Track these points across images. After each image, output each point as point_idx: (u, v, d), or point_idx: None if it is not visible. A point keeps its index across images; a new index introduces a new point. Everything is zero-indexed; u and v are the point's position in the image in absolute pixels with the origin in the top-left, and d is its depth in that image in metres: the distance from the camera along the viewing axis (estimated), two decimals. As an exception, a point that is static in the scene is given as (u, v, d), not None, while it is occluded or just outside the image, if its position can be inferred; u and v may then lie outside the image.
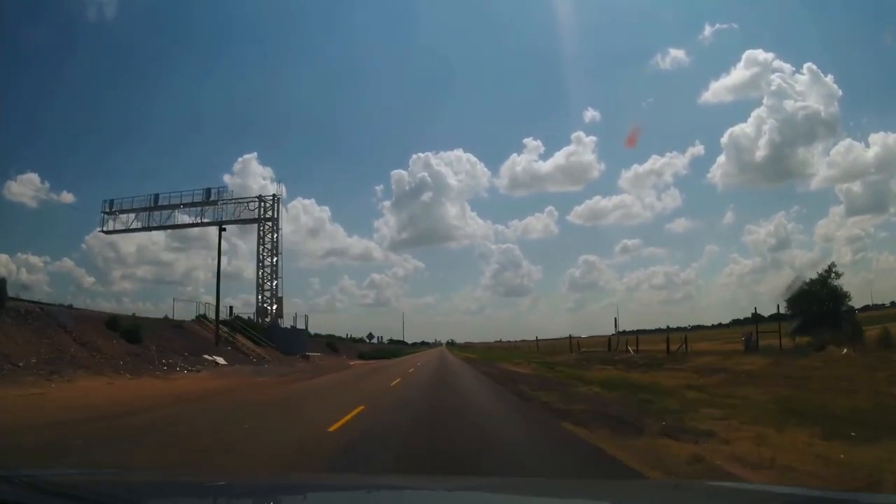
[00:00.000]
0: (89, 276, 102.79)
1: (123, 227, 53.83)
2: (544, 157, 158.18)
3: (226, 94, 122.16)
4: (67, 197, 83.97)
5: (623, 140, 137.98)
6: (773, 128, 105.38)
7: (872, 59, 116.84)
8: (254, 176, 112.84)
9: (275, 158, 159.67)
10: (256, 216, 50.65)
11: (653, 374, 21.78)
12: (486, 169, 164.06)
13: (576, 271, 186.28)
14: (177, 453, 7.53)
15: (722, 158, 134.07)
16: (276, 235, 50.50)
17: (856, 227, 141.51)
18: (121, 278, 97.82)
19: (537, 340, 74.77)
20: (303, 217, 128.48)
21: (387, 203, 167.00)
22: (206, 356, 31.75)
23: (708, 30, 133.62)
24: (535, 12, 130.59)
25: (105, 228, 53.73)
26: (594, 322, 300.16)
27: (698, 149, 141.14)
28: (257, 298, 49.11)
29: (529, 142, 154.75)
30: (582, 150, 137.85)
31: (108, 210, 52.87)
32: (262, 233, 50.47)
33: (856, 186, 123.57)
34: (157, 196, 52.97)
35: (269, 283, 49.28)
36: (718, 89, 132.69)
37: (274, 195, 51.41)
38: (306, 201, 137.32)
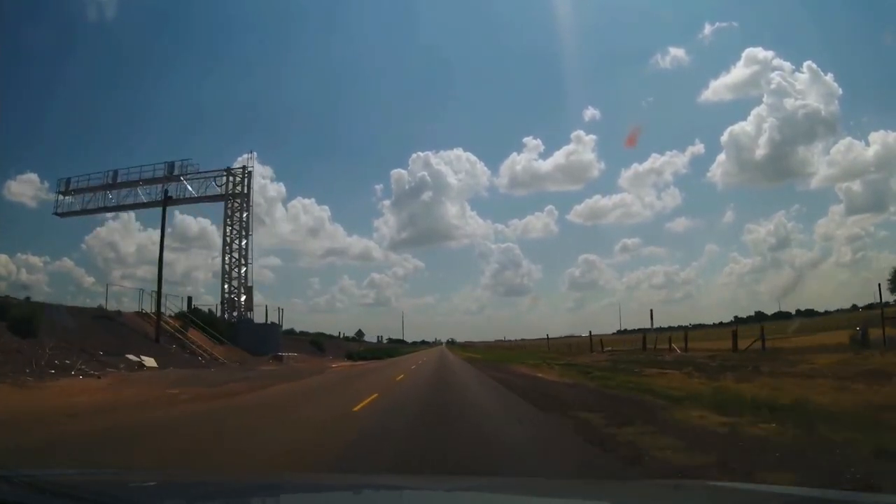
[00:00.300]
0: (89, 276, 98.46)
1: (80, 209, 46.59)
2: (544, 156, 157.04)
3: (225, 94, 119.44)
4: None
5: (623, 139, 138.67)
6: (773, 126, 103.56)
7: (872, 58, 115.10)
8: (253, 175, 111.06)
9: (274, 158, 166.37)
10: (224, 192, 43.22)
11: (764, 382, 14.20)
12: (485, 168, 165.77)
13: (576, 271, 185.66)
14: None
15: (722, 157, 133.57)
16: (246, 214, 42.95)
17: (856, 226, 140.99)
18: (120, 278, 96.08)
19: (548, 339, 66.87)
20: (302, 216, 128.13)
21: (386, 202, 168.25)
22: (130, 356, 24.13)
23: (708, 28, 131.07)
24: (534, 11, 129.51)
25: (59, 210, 46.58)
26: (594, 322, 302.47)
27: (698, 148, 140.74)
28: (222, 289, 41.51)
29: (529, 141, 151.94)
30: (582, 149, 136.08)
31: (63, 190, 45.71)
32: (229, 211, 42.88)
33: (856, 185, 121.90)
34: (115, 172, 45.65)
35: (236, 271, 41.65)
36: (718, 88, 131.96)
37: (244, 167, 43.85)
38: (306, 201, 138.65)
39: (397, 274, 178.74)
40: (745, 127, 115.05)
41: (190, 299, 40.64)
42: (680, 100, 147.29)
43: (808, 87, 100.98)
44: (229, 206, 43.01)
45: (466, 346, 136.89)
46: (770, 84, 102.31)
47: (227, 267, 41.71)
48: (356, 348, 69.23)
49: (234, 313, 41.00)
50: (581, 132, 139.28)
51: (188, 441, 8.29)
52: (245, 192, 43.18)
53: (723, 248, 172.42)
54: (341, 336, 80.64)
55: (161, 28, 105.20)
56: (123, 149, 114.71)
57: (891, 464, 5.65)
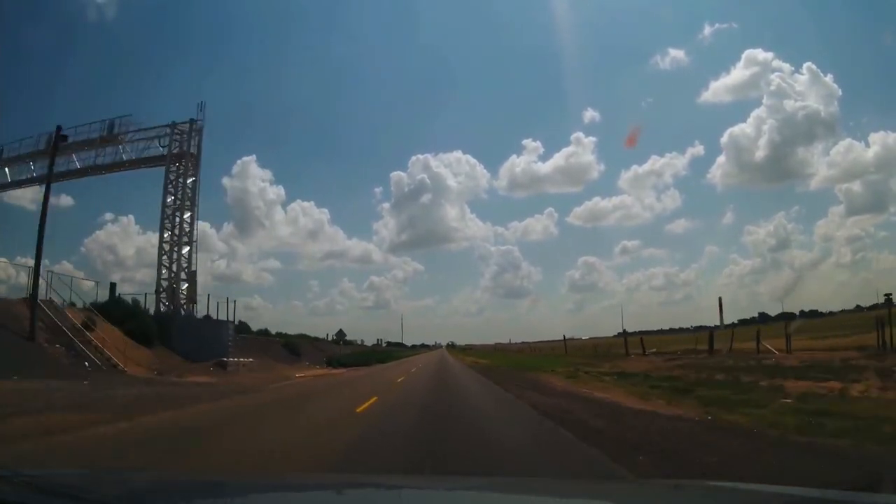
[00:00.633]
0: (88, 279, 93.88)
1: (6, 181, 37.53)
2: (544, 158, 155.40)
3: (225, 96, 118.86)
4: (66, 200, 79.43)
5: (622, 140, 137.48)
6: (772, 128, 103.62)
7: (872, 59, 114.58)
8: (253, 178, 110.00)
9: (274, 160, 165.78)
10: (167, 152, 34.05)
11: None
12: (485, 170, 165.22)
13: (575, 273, 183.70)
14: None
15: (721, 159, 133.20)
16: (192, 180, 33.72)
17: (855, 227, 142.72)
18: (121, 281, 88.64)
19: (565, 340, 57.20)
20: (302, 219, 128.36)
21: (386, 205, 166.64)
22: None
23: (707, 29, 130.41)
24: (534, 13, 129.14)
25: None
26: (594, 324, 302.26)
27: (698, 149, 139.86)
28: (158, 274, 32.09)
29: (529, 143, 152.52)
30: (581, 150, 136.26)
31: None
32: (172, 175, 33.60)
33: (855, 186, 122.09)
34: (50, 136, 36.40)
35: (177, 252, 32.30)
36: (718, 89, 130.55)
37: (191, 121, 34.52)
38: (305, 203, 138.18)
39: (397, 276, 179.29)
40: (744, 128, 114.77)
41: (113, 286, 31.39)
42: (680, 101, 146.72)
43: (808, 88, 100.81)
44: (172, 168, 33.76)
45: (467, 350, 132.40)
46: (770, 85, 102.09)
47: (164, 246, 32.36)
48: (344, 352, 59.75)
49: (176, 306, 31.66)
50: (581, 134, 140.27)
51: None
52: (191, 150, 33.96)
53: (723, 250, 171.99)
54: (329, 339, 71.28)
55: (160, 28, 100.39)
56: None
57: None
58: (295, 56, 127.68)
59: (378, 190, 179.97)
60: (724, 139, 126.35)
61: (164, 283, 31.87)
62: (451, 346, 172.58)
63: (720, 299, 29.90)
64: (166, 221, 32.73)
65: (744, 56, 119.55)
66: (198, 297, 32.78)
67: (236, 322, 33.76)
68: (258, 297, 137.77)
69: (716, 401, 11.59)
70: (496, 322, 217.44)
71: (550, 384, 18.42)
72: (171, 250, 32.39)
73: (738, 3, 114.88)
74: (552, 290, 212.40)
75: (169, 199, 33.25)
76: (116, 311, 28.09)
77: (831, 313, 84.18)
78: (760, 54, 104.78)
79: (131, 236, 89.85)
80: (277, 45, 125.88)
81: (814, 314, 79.55)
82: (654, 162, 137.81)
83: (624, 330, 63.84)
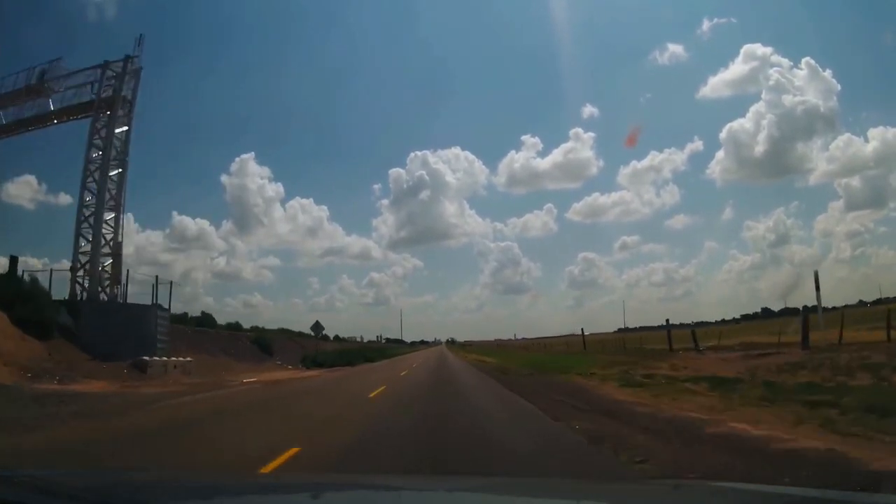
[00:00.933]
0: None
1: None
2: (542, 154, 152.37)
3: (223, 94, 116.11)
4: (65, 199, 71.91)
5: (622, 137, 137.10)
6: (771, 123, 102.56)
7: (871, 54, 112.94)
8: (251, 175, 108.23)
9: (272, 158, 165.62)
10: (97, 98, 26.87)
11: None
12: (484, 167, 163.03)
13: (575, 269, 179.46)
14: None
15: (721, 154, 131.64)
16: (125, 130, 26.49)
17: (855, 223, 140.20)
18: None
19: (583, 334, 49.71)
20: (301, 216, 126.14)
21: (385, 202, 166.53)
22: None
23: (706, 24, 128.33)
24: (532, 9, 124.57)
25: None
26: (594, 319, 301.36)
27: (697, 144, 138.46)
28: (76, 246, 24.77)
29: (528, 139, 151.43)
30: (580, 146, 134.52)
31: None
32: (98, 125, 26.36)
33: (855, 181, 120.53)
34: None
35: (99, 221, 24.99)
36: (717, 84, 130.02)
37: (126, 58, 27.25)
38: (304, 200, 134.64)
39: (396, 273, 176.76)
40: (743, 123, 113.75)
41: (13, 260, 24.20)
42: (679, 96, 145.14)
43: (807, 83, 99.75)
44: (101, 116, 26.55)
45: (467, 346, 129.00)
46: (769, 80, 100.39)
47: (84, 212, 25.11)
48: (328, 348, 52.41)
49: (93, 289, 24.43)
50: (580, 130, 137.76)
51: None
52: (127, 95, 26.76)
53: (722, 245, 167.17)
54: (314, 335, 63.67)
55: (159, 28, 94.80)
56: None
57: None
58: (293, 53, 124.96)
59: (377, 186, 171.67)
60: (723, 134, 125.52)
61: (80, 260, 24.61)
62: (451, 343, 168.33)
63: (816, 274, 22.06)
64: (89, 180, 25.50)
65: (743, 51, 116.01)
66: (130, 279, 25.62)
67: (169, 308, 25.95)
68: (258, 294, 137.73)
69: None
70: (496, 318, 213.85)
71: (616, 401, 11.27)
72: (96, 217, 25.12)
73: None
74: (552, 286, 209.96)
75: (95, 155, 26.06)
76: (8, 291, 21.03)
77: (834, 308, 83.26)
78: (759, 49, 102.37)
79: (130, 238, 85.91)
80: (276, 42, 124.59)
81: (816, 310, 77.22)
82: (654, 157, 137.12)
83: (622, 327, 57.43)
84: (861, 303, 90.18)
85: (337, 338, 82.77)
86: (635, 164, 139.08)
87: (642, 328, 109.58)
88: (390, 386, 17.33)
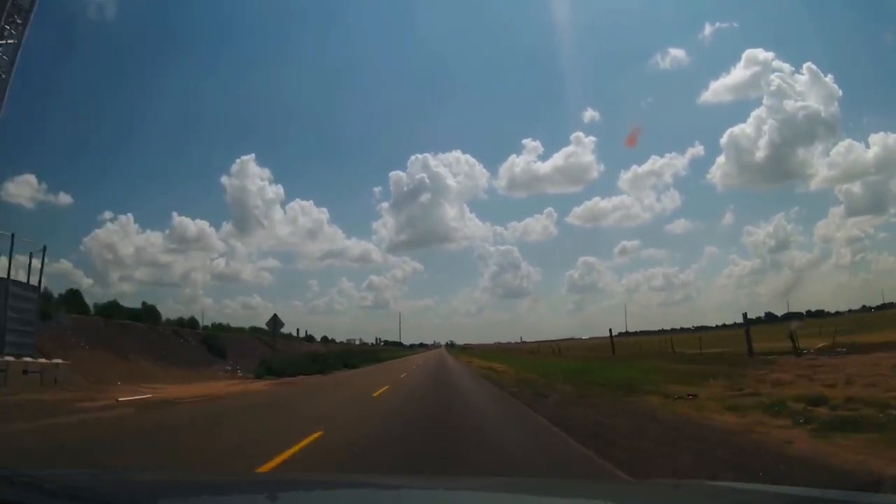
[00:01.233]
0: (87, 278, 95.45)
1: None
2: (543, 157, 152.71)
3: (224, 96, 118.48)
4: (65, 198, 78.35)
5: (622, 140, 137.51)
6: (772, 128, 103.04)
7: (873, 59, 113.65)
8: (251, 177, 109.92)
9: (273, 160, 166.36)
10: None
11: None
12: (484, 170, 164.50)
13: (575, 273, 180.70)
14: None
15: (721, 159, 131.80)
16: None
17: (855, 228, 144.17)
18: (119, 280, 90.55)
19: (611, 335, 43.96)
20: (301, 218, 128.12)
21: (385, 204, 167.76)
22: None
23: (708, 29, 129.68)
24: (533, 12, 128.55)
25: None
26: (594, 324, 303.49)
27: (698, 149, 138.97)
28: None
29: (528, 142, 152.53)
30: (581, 150, 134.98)
31: None
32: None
33: (855, 187, 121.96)
34: None
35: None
36: (718, 89, 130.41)
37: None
38: (304, 203, 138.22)
39: (396, 276, 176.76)
40: (744, 128, 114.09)
41: None
42: (680, 101, 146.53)
43: (808, 88, 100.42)
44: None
45: (467, 349, 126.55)
46: (770, 85, 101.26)
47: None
48: (311, 350, 46.35)
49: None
50: (580, 134, 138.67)
51: None
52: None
53: (722, 250, 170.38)
54: (299, 336, 58.08)
55: (159, 28, 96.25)
56: (122, 151, 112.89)
57: None
58: (294, 55, 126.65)
59: (377, 189, 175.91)
60: (724, 139, 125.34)
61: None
62: (451, 346, 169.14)
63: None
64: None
65: (744, 56, 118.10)
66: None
67: (39, 285, 19.04)
68: (257, 296, 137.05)
69: None
70: (495, 322, 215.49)
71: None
72: None
73: (738, 3, 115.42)
74: (551, 290, 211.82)
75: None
76: None
77: (838, 313, 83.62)
78: (761, 54, 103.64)
79: (130, 238, 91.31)
80: (277, 43, 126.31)
81: (820, 314, 79.46)
82: (654, 162, 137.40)
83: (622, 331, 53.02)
84: (864, 308, 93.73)
85: (325, 339, 77.67)
86: (636, 169, 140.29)
87: (643, 332, 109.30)
88: (332, 426, 10.05)
